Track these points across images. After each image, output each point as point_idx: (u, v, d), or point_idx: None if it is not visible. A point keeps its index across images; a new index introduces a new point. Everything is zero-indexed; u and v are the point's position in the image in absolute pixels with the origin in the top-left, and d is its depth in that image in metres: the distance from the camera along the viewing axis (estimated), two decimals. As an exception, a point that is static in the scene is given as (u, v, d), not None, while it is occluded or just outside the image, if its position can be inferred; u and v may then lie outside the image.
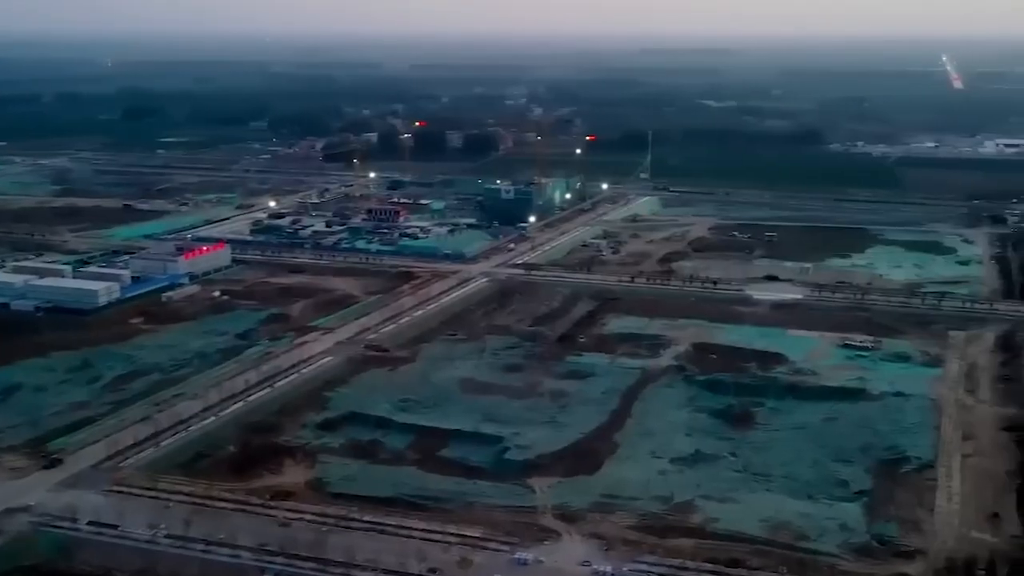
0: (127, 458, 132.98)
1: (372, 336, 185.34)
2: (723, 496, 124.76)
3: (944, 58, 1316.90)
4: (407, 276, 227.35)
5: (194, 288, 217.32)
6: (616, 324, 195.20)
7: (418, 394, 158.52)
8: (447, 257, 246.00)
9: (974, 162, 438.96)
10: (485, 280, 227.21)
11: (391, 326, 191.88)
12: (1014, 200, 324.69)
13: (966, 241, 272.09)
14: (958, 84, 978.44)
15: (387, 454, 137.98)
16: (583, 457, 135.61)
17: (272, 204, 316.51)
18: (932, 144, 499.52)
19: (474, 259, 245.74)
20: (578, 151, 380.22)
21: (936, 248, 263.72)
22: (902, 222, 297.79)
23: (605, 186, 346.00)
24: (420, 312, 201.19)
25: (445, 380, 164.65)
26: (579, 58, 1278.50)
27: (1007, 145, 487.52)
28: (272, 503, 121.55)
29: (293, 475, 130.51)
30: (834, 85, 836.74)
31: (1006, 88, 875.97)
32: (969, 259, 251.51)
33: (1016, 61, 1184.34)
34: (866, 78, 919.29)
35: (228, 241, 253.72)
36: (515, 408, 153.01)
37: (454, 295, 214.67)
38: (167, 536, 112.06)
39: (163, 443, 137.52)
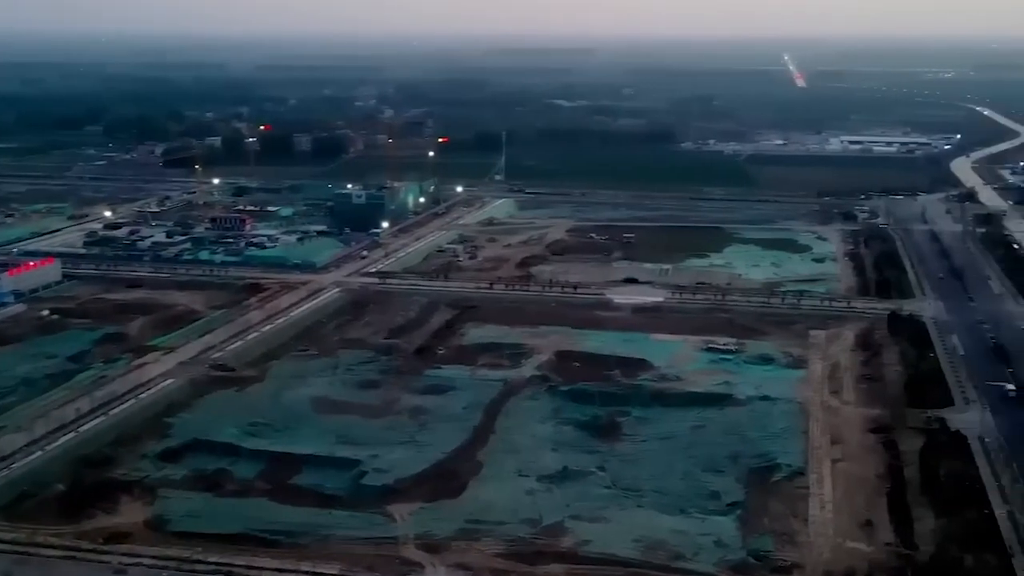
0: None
1: (217, 355, 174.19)
2: (593, 515, 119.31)
3: (786, 57, 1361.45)
4: (254, 288, 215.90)
5: (20, 307, 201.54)
6: (476, 333, 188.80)
7: (268, 416, 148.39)
8: (296, 267, 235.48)
9: (821, 159, 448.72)
10: (337, 290, 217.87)
11: (238, 343, 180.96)
12: (862, 196, 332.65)
13: (820, 238, 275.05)
14: (801, 82, 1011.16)
15: (235, 485, 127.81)
16: (445, 479, 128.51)
17: (108, 214, 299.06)
18: (780, 141, 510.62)
19: (325, 268, 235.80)
20: (431, 153, 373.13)
21: (791, 246, 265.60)
22: (757, 220, 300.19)
23: (460, 189, 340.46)
24: (269, 327, 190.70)
25: (296, 400, 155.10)
26: (428, 59, 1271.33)
27: (851, 142, 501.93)
28: (106, 547, 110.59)
29: (130, 513, 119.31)
30: (683, 84, 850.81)
31: (846, 87, 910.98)
32: (824, 256, 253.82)
33: (853, 60, 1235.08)
34: (713, 77, 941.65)
35: (59, 255, 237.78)
36: (372, 428, 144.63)
37: (304, 307, 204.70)
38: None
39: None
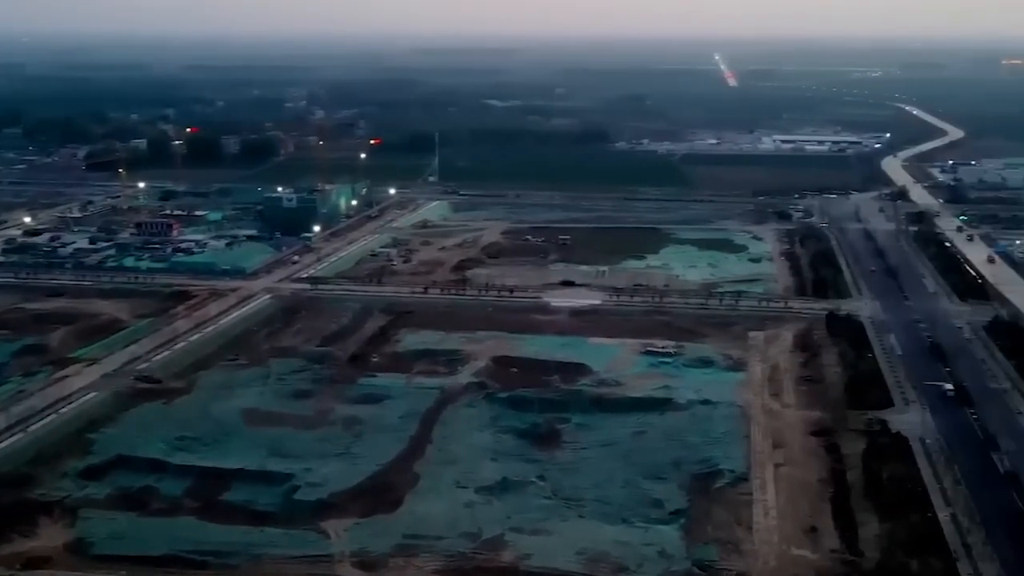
0: None
1: (143, 366, 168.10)
2: (534, 527, 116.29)
3: (717, 57, 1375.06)
4: (182, 296, 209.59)
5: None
6: (411, 340, 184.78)
7: (196, 430, 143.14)
8: (225, 273, 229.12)
9: (754, 158, 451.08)
10: (268, 297, 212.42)
11: (164, 353, 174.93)
12: (796, 195, 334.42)
13: (755, 238, 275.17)
14: (732, 82, 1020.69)
15: (161, 503, 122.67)
16: (381, 493, 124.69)
17: (27, 220, 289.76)
18: (713, 141, 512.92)
19: (255, 274, 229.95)
20: (363, 155, 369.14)
21: (728, 246, 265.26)
22: (692, 220, 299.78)
23: (392, 191, 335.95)
24: (197, 336, 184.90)
25: (226, 412, 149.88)
26: (358, 59, 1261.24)
27: (784, 141, 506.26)
28: (23, 573, 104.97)
29: (50, 536, 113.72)
30: (615, 83, 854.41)
31: (776, 86, 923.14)
32: (760, 256, 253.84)
33: (783, 60, 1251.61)
34: (645, 76, 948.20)
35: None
36: (305, 440, 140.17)
37: (234, 315, 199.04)
38: None
39: None
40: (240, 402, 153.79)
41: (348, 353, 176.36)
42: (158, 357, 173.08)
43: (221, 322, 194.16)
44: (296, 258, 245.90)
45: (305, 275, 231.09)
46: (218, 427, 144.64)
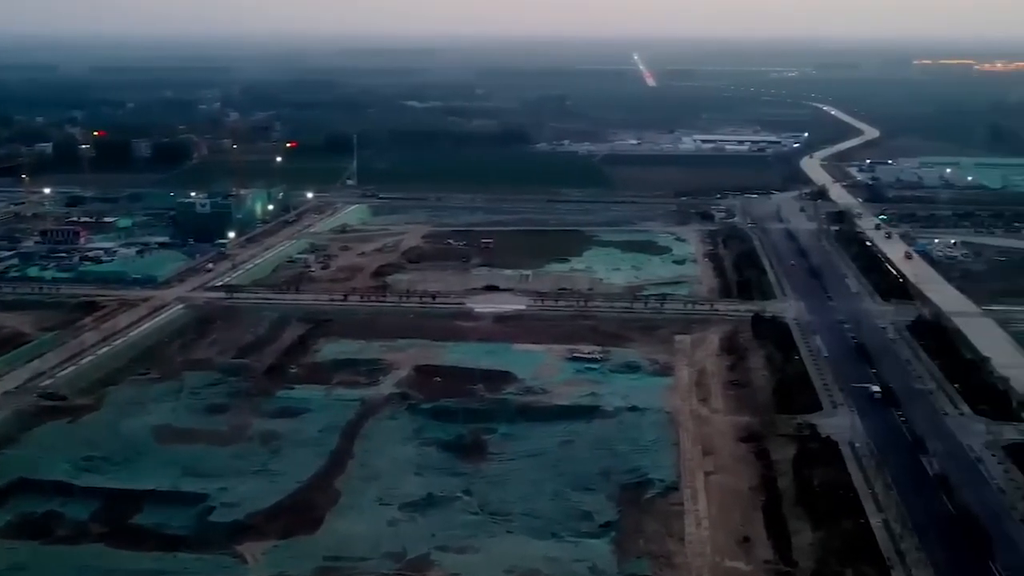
0: None
1: (47, 382, 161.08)
2: (461, 545, 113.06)
3: (635, 56, 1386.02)
4: (89, 307, 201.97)
5: None
6: (330, 349, 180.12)
7: (104, 449, 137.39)
8: (136, 282, 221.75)
9: (675, 158, 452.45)
10: (181, 307, 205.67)
11: (70, 368, 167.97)
12: (718, 196, 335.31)
13: (679, 239, 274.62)
14: (651, 82, 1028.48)
15: (66, 529, 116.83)
16: (301, 512, 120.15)
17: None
18: (634, 141, 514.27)
19: (167, 283, 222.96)
20: (279, 158, 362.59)
21: (651, 247, 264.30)
22: (615, 222, 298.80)
23: (310, 195, 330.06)
24: (105, 349, 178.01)
25: (137, 429, 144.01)
26: (275, 59, 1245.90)
27: (704, 141, 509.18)
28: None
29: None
30: (535, 84, 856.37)
31: (695, 85, 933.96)
32: (684, 258, 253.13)
33: (700, 60, 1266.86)
34: (565, 76, 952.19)
35: None
36: (220, 457, 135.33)
37: (145, 326, 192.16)
38: None
39: None
40: (151, 419, 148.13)
41: (265, 364, 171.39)
42: (63, 372, 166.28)
43: (131, 334, 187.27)
44: (210, 266, 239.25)
45: (220, 283, 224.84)
46: (127, 446, 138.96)
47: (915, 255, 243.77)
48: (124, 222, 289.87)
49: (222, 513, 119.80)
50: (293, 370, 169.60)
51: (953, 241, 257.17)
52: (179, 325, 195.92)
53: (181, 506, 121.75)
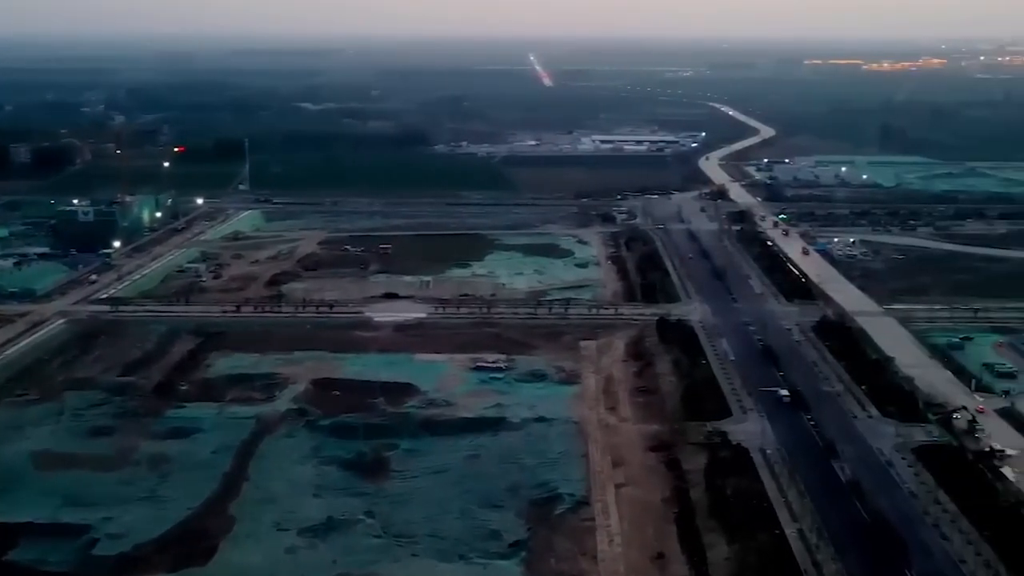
0: None
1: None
2: (365, 571, 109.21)
3: (531, 57, 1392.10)
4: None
5: None
6: (223, 364, 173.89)
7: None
8: (13, 296, 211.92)
9: (575, 159, 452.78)
10: (62, 322, 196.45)
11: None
12: (618, 196, 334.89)
13: (581, 242, 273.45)
14: (548, 82, 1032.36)
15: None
16: (193, 541, 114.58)
17: None
18: (533, 142, 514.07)
19: (48, 296, 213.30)
20: (166, 163, 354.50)
21: (553, 251, 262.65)
22: (516, 225, 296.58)
23: (200, 201, 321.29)
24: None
25: (12, 455, 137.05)
26: (161, 60, 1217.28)
27: (603, 141, 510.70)
28: None
29: None
30: (432, 85, 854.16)
31: (592, 85, 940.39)
32: (587, 261, 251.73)
33: (594, 60, 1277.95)
34: (461, 77, 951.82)
35: None
36: (105, 484, 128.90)
37: (22, 343, 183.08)
38: None
39: None
40: (29, 444, 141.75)
41: (153, 382, 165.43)
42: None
43: (7, 352, 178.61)
44: (94, 277, 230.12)
45: (104, 296, 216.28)
46: (3, 473, 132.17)
47: (812, 251, 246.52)
48: (0, 232, 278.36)
49: (106, 546, 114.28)
50: (183, 387, 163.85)
51: (852, 240, 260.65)
52: (60, 341, 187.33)
53: (61, 539, 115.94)
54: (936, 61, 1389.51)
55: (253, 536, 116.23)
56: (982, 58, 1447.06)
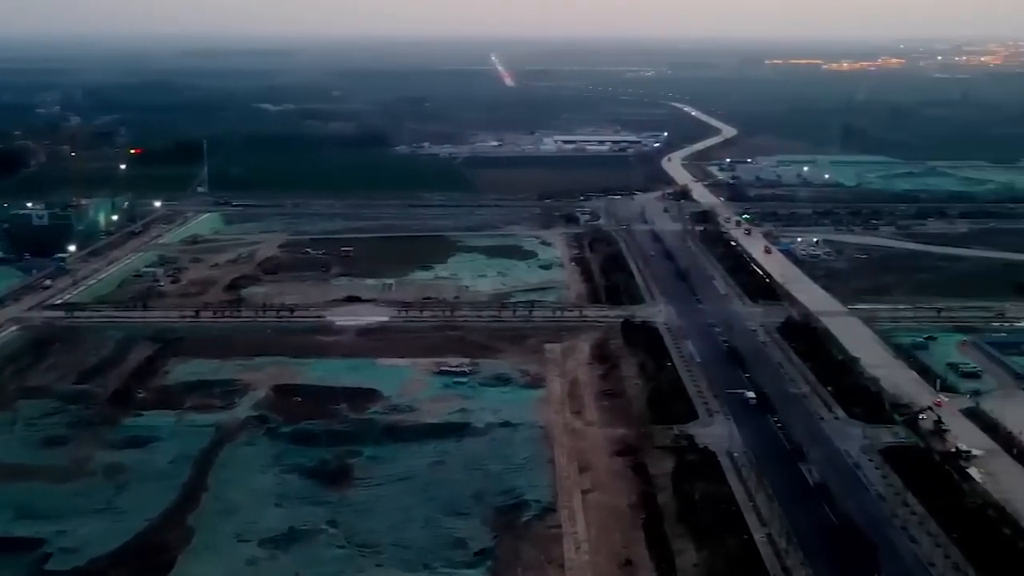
0: None
1: None
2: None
3: (493, 57, 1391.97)
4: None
5: None
6: (181, 371, 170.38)
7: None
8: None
9: (537, 159, 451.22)
10: (14, 328, 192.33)
11: None
12: (581, 197, 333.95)
13: (544, 243, 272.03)
14: (509, 82, 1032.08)
15: None
16: (150, 554, 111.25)
17: None
18: (495, 143, 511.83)
19: (0, 302, 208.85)
20: (123, 165, 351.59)
21: (517, 252, 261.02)
22: (479, 226, 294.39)
23: (158, 204, 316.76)
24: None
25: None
26: (118, 60, 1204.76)
27: (565, 141, 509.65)
28: None
29: None
30: (392, 85, 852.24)
31: (553, 85, 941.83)
32: (551, 263, 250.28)
33: (555, 60, 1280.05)
34: (422, 77, 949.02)
35: None
36: (59, 495, 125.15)
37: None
38: None
39: None
40: None
41: (109, 390, 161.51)
42: None
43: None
44: (48, 282, 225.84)
45: (59, 301, 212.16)
46: None
47: (775, 250, 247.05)
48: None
49: (60, 560, 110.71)
50: (140, 395, 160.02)
51: (816, 240, 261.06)
52: (12, 349, 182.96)
53: (13, 554, 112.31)
54: (894, 61, 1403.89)
55: (213, 548, 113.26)
56: (939, 58, 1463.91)
